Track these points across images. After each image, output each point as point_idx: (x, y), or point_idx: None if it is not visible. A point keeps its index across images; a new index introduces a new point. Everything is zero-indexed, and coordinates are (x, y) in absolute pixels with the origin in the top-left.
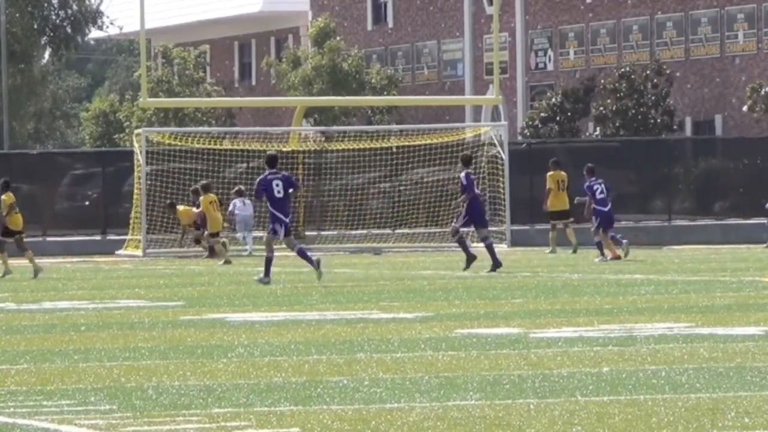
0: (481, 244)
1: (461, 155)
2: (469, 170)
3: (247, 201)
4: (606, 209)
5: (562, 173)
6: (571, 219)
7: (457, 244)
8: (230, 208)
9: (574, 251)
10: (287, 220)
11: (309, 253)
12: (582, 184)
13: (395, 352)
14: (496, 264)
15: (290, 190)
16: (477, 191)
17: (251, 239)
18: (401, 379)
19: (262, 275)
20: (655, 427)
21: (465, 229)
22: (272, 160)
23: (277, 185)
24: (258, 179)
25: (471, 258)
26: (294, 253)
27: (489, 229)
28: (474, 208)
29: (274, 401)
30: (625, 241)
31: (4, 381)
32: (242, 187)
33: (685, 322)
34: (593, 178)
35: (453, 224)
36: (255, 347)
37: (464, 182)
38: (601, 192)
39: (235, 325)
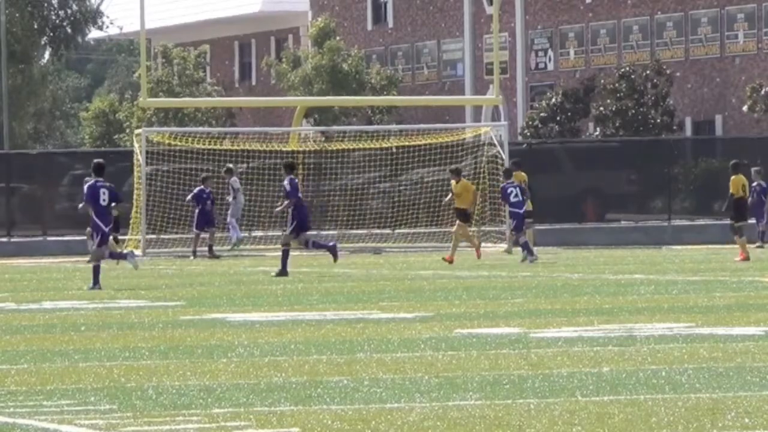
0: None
1: (284, 162)
2: (292, 176)
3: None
4: (521, 212)
5: (523, 174)
6: (531, 219)
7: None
8: (236, 186)
9: (510, 252)
10: (106, 230)
11: (99, 275)
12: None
13: (395, 352)
14: (283, 272)
15: (113, 203)
16: (300, 196)
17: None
18: (401, 379)
19: (91, 284)
20: (655, 427)
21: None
22: (99, 168)
23: (104, 193)
24: (87, 185)
25: (283, 272)
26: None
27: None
28: (300, 213)
29: (274, 401)
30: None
31: (4, 381)
32: (232, 166)
33: (685, 322)
34: (510, 181)
35: (284, 233)
36: (255, 347)
37: (287, 188)
38: (516, 195)
39: (235, 325)
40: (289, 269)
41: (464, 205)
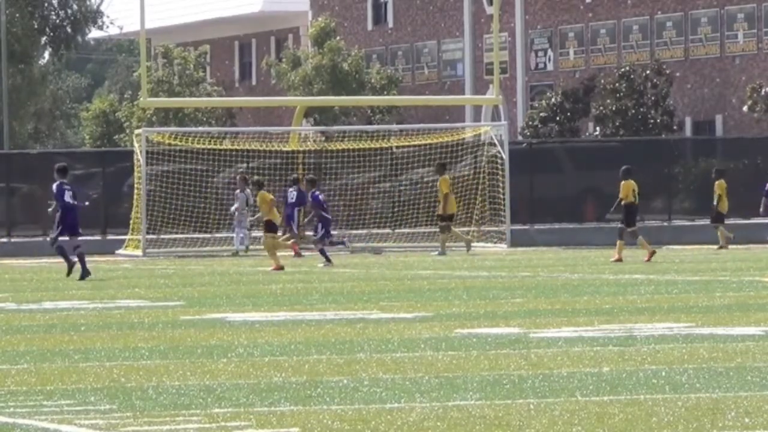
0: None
1: (57, 165)
2: (63, 180)
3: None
4: (329, 216)
5: (447, 177)
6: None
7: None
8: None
9: (444, 253)
10: None
11: None
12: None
13: (395, 352)
14: (84, 273)
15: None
16: (70, 201)
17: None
18: (401, 379)
19: None
20: (655, 427)
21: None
22: None
23: None
24: None
25: (70, 267)
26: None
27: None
28: (66, 217)
29: (274, 401)
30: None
31: (4, 381)
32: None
33: (685, 322)
34: (314, 190)
35: (50, 236)
36: (255, 347)
37: (54, 192)
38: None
39: (235, 325)
40: (72, 259)
41: (268, 216)
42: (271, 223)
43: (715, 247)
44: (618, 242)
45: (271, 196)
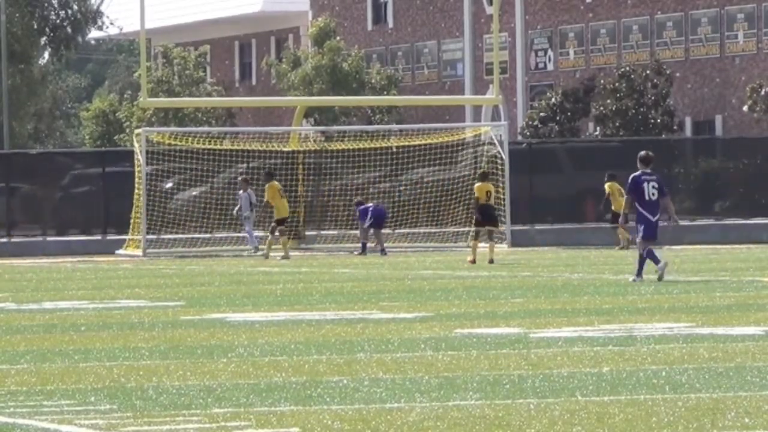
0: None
1: None
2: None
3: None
4: None
5: (276, 183)
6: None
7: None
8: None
9: (287, 257)
10: None
11: None
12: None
13: (395, 352)
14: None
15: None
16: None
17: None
18: (401, 379)
19: None
20: (655, 427)
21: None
22: None
23: None
24: None
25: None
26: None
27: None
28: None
29: (274, 401)
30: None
31: (4, 381)
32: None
33: (685, 322)
34: None
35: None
36: (255, 347)
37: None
38: None
39: (235, 325)
40: None
41: None
42: None
43: (616, 248)
44: (473, 243)
45: None
